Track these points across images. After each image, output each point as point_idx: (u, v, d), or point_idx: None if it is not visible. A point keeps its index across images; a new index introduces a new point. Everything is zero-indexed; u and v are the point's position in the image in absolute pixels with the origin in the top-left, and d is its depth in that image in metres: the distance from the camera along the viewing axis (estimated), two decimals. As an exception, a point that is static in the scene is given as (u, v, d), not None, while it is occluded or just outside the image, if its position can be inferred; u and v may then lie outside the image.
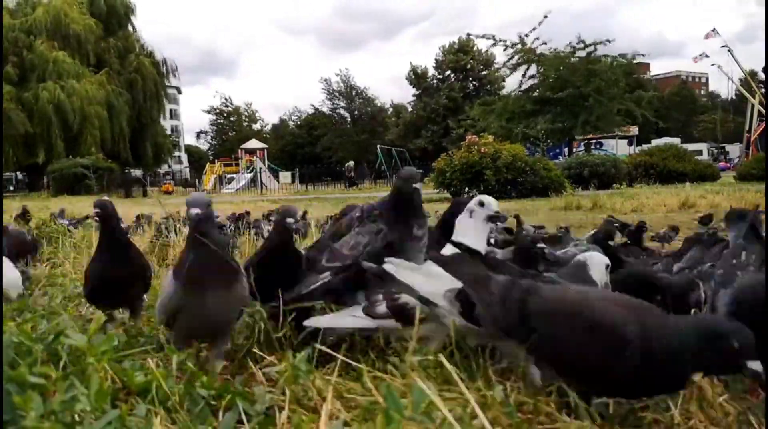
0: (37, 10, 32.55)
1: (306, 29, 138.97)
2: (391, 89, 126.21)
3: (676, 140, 36.19)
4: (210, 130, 70.08)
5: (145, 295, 2.44)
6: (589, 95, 23.31)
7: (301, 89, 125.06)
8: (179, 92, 74.99)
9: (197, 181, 33.48)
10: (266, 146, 40.30)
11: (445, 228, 2.26)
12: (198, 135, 73.40)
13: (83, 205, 11.46)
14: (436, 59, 52.84)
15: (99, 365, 1.34)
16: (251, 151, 36.38)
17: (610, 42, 23.91)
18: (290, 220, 2.01)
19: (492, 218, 2.04)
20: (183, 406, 1.31)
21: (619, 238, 4.11)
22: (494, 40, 24.75)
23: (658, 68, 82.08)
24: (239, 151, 38.44)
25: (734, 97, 55.10)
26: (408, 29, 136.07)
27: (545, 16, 23.72)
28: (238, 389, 1.40)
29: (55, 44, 31.58)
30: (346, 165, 32.80)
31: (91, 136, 30.89)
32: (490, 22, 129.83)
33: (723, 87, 78.79)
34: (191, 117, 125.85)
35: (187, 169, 53.40)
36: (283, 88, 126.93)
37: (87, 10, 34.13)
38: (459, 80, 51.14)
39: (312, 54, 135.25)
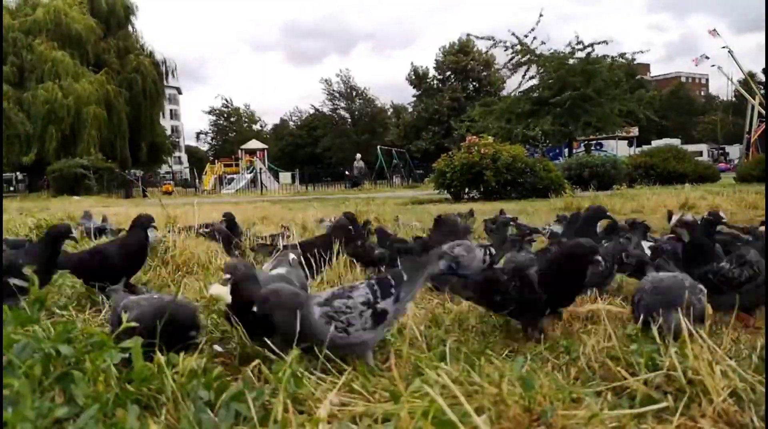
0: (37, 11, 32.51)
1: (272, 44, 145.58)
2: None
3: (676, 141, 36.18)
4: (210, 131, 70.16)
5: None
6: (590, 97, 23.27)
7: (277, 97, 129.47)
8: (179, 92, 75.05)
9: (197, 181, 33.45)
10: (266, 147, 40.32)
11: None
12: (198, 136, 73.51)
13: (82, 206, 11.45)
14: (436, 60, 52.94)
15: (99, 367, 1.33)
16: (251, 152, 36.40)
17: (608, 43, 23.91)
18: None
19: None
20: (185, 405, 1.31)
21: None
22: (494, 41, 24.78)
23: (657, 69, 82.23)
24: (239, 151, 38.46)
25: (734, 98, 55.09)
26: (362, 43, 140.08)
27: (541, 15, 23.69)
28: (238, 389, 1.40)
29: (54, 44, 31.56)
30: (356, 163, 31.83)
31: (90, 137, 30.86)
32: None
33: (723, 88, 78.78)
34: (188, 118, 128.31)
35: (187, 170, 53.40)
36: (255, 97, 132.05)
37: (87, 9, 34.11)
38: (459, 81, 51.18)
39: (280, 65, 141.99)
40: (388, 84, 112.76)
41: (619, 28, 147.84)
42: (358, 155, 32.52)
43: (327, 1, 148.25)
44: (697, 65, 32.93)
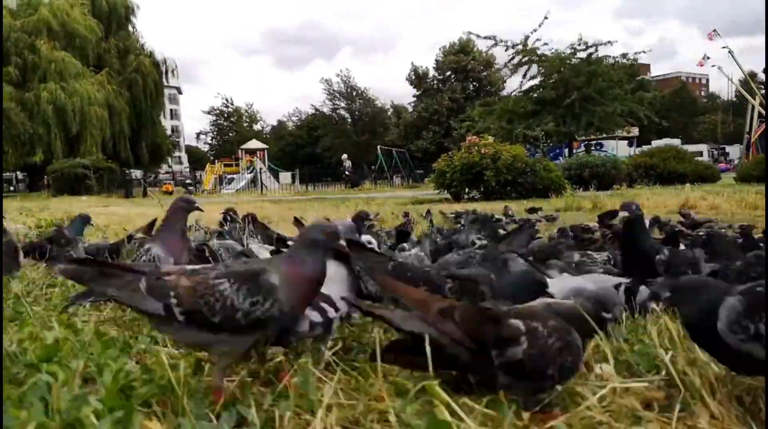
0: (39, 11, 32.49)
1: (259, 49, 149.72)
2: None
3: (677, 141, 36.13)
4: (210, 131, 70.11)
5: None
6: (591, 97, 23.25)
7: (270, 99, 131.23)
8: (179, 92, 75.03)
9: (195, 181, 33.41)
10: (266, 147, 40.34)
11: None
12: (198, 135, 73.48)
13: (82, 205, 11.46)
14: (436, 60, 52.92)
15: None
16: (251, 152, 36.42)
17: (612, 44, 23.96)
18: None
19: None
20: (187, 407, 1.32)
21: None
22: (495, 40, 24.77)
23: (658, 69, 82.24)
24: (239, 151, 38.48)
25: (734, 98, 55.07)
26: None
27: (546, 17, 23.69)
28: (239, 392, 1.40)
29: (56, 44, 31.55)
30: (344, 163, 31.90)
31: (92, 137, 30.88)
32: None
33: (723, 88, 78.85)
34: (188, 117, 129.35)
35: (188, 170, 53.35)
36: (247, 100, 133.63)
37: (88, 10, 34.10)
38: (459, 81, 51.15)
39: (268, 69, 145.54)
40: (374, 88, 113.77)
41: (596, 32, 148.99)
42: (345, 155, 32.72)
43: (308, 9, 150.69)
44: (702, 66, 32.89)
